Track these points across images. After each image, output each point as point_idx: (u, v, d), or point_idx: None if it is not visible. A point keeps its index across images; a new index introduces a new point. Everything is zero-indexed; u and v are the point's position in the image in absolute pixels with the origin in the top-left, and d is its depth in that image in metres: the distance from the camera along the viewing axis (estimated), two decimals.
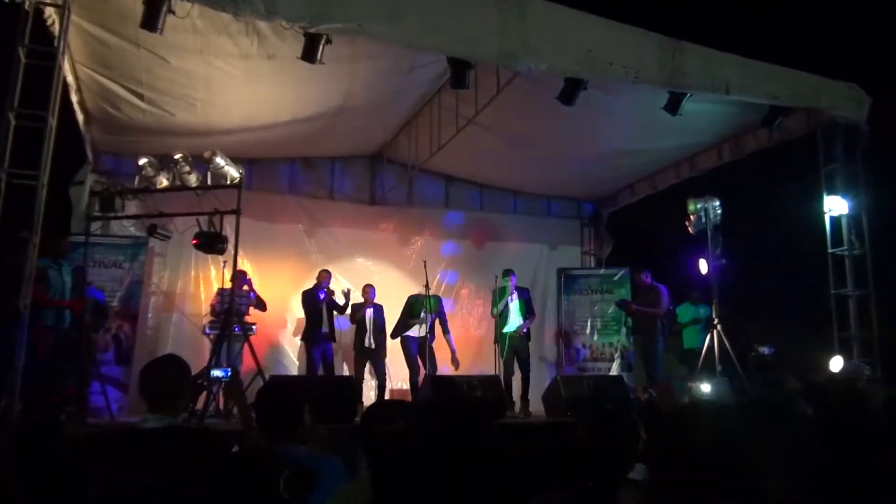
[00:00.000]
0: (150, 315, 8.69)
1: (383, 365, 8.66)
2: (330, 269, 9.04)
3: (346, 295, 8.68)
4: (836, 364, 7.06)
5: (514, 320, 8.53)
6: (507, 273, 8.67)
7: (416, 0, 5.57)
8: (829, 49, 9.33)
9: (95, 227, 7.51)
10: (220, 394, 6.71)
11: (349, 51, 6.23)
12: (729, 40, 6.85)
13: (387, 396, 8.64)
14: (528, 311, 8.66)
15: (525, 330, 8.54)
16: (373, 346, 8.61)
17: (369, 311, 8.71)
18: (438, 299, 8.92)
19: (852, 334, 7.31)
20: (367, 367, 8.69)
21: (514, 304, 8.59)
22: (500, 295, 8.51)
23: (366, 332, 8.63)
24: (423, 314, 8.47)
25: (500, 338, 8.36)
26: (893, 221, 7.89)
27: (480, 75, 6.55)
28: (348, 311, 8.76)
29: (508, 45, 5.82)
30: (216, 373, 6.58)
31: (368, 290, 8.84)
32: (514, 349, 8.39)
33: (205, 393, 6.47)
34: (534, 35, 5.87)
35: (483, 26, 5.78)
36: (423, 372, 8.37)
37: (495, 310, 8.49)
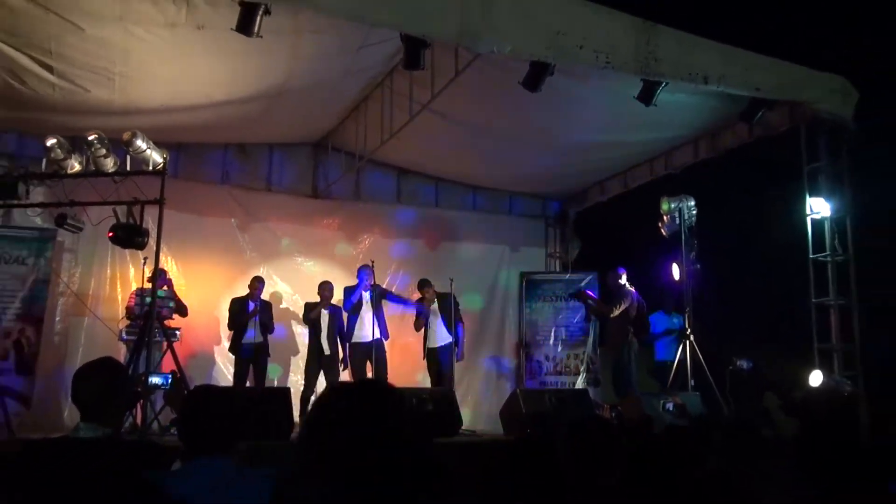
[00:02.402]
0: (57, 318, 8.45)
1: (338, 371, 8.67)
2: (266, 269, 8.99)
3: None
4: (816, 379, 7.23)
5: (439, 333, 8.96)
6: (424, 284, 9.12)
7: None
8: (815, 39, 9.58)
9: None
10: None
11: (291, 23, 6.16)
12: (708, 25, 6.98)
13: None
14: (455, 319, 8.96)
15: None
16: (327, 353, 8.61)
17: (325, 312, 8.68)
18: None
19: (833, 346, 7.51)
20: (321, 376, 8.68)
21: (434, 316, 9.00)
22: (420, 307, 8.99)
23: (320, 335, 8.60)
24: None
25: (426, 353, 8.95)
26: (879, 226, 8.12)
27: (437, 56, 6.56)
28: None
29: (470, 23, 5.81)
30: (155, 380, 6.50)
31: (326, 286, 8.82)
32: (438, 364, 8.85)
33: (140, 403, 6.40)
34: (497, 12, 5.88)
35: (442, 1, 5.77)
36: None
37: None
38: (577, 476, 2.33)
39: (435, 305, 8.97)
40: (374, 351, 8.59)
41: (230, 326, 8.66)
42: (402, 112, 7.91)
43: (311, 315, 8.72)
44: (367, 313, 8.72)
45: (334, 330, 8.76)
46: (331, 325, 8.75)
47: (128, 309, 8.19)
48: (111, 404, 2.76)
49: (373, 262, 8.87)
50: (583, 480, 2.31)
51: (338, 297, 9.18)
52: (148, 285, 7.45)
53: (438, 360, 8.90)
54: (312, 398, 8.25)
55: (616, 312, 9.03)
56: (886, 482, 2.59)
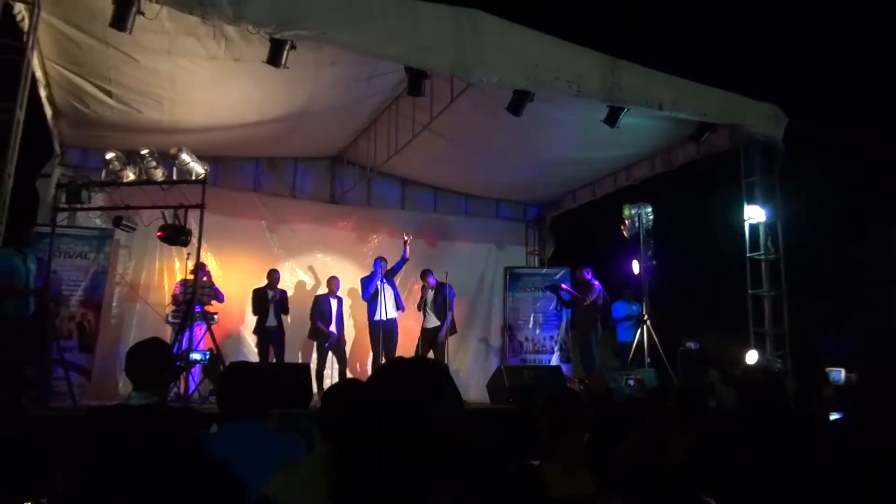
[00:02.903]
0: (114, 304, 8.43)
1: (344, 352, 8.72)
2: (290, 263, 9.01)
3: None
4: (752, 357, 7.30)
5: (430, 315, 8.96)
6: (425, 274, 9.07)
7: (377, 11, 5.55)
8: (752, 73, 9.62)
9: (61, 218, 7.25)
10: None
11: (313, 57, 6.17)
12: (662, 60, 7.01)
13: None
14: (444, 306, 8.96)
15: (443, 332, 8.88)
16: (335, 336, 8.65)
17: (334, 302, 8.71)
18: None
19: (766, 330, 7.58)
20: (329, 354, 8.73)
21: (428, 301, 8.98)
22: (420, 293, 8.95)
23: (330, 322, 8.62)
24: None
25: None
26: (804, 230, 8.18)
27: (436, 85, 6.57)
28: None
29: (462, 57, 5.85)
30: (195, 355, 6.53)
31: (334, 281, 8.85)
32: (430, 343, 8.82)
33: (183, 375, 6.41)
34: (486, 49, 5.91)
35: (439, 39, 5.79)
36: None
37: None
38: (551, 439, 2.36)
39: (431, 293, 8.96)
40: (389, 328, 8.62)
41: (255, 312, 8.63)
42: (406, 131, 7.92)
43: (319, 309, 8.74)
44: (382, 298, 8.71)
45: (339, 316, 8.78)
46: (337, 312, 8.77)
47: (173, 296, 8.19)
48: (159, 376, 2.78)
49: (382, 258, 8.89)
50: (555, 442, 2.34)
51: (349, 285, 9.23)
52: (191, 277, 7.44)
53: (431, 339, 8.92)
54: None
55: (587, 302, 9.07)
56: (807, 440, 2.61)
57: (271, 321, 8.53)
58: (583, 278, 9.38)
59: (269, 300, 8.56)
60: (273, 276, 8.72)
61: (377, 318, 8.67)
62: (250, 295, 8.73)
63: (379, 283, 8.73)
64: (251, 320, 8.86)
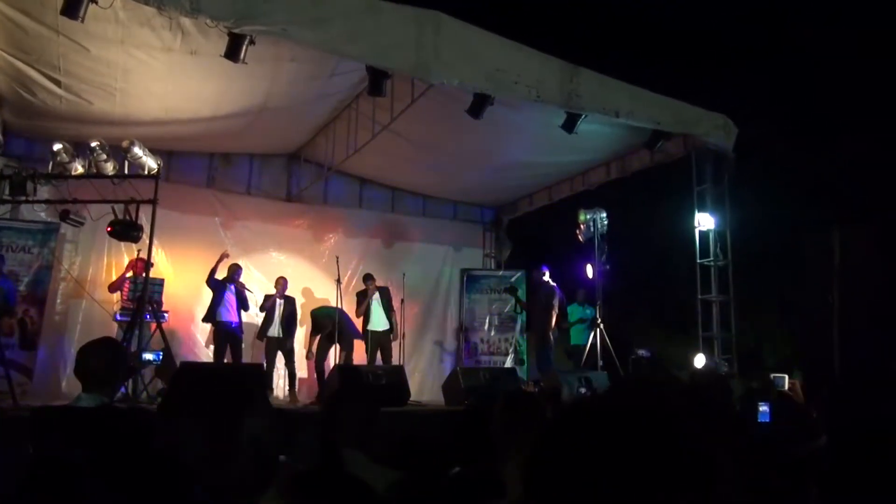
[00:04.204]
0: (58, 300, 8.16)
1: (292, 354, 8.57)
2: (245, 261, 8.84)
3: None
4: (700, 361, 7.49)
5: (378, 319, 8.87)
6: (367, 278, 8.99)
7: (340, 9, 5.51)
8: (705, 84, 9.88)
9: (4, 210, 6.99)
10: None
11: (273, 52, 6.08)
12: (620, 68, 7.14)
13: (297, 385, 8.54)
14: (389, 309, 8.96)
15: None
16: (280, 336, 8.50)
17: (279, 302, 8.58)
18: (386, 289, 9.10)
19: (714, 335, 7.79)
20: (279, 356, 8.55)
21: (376, 304, 8.88)
22: (362, 297, 8.88)
23: (272, 322, 8.49)
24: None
25: (365, 335, 8.80)
26: (751, 237, 8.44)
27: (396, 85, 6.56)
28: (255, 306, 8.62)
29: (423, 59, 5.85)
30: (148, 356, 6.35)
31: (281, 281, 8.71)
32: (379, 345, 8.75)
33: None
34: (447, 51, 5.92)
35: (401, 39, 5.78)
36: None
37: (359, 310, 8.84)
38: (507, 439, 2.38)
39: (377, 295, 8.92)
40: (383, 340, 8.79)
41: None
42: (366, 131, 7.88)
43: (265, 304, 8.58)
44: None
45: (286, 317, 8.64)
46: (283, 313, 8.60)
47: (121, 290, 7.92)
48: (111, 377, 2.69)
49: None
50: (512, 443, 2.36)
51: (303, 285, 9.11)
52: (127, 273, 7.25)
53: (379, 341, 8.86)
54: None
55: (555, 312, 9.09)
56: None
57: (230, 316, 8.30)
58: (539, 279, 9.46)
59: (224, 293, 8.30)
60: (236, 268, 8.49)
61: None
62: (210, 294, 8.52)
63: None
64: (201, 319, 8.65)
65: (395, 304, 9.47)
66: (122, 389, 6.40)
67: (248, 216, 9.69)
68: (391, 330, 9.02)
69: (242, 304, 8.42)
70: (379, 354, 8.77)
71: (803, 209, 10.15)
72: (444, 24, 5.96)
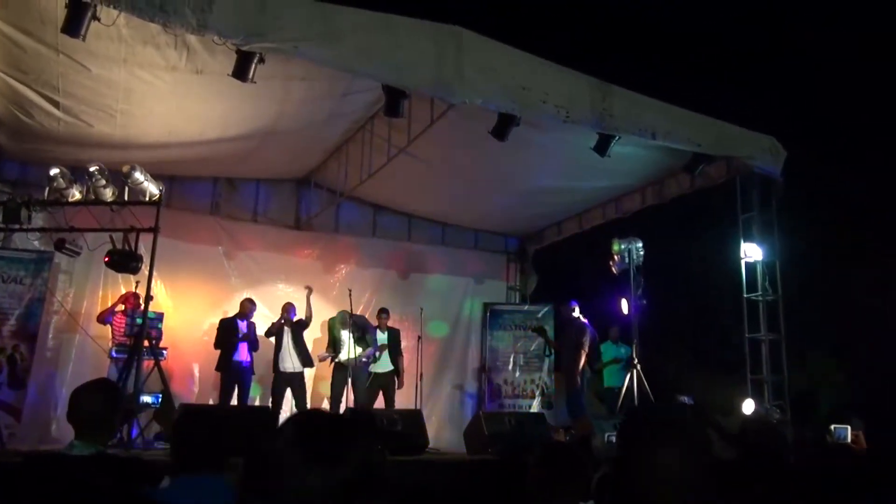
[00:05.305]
0: (50, 335, 8.21)
1: (304, 390, 8.57)
2: (249, 294, 8.93)
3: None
4: (749, 407, 7.34)
5: (382, 359, 9.05)
6: (382, 312, 9.32)
7: (354, 25, 5.59)
8: (750, 103, 9.87)
9: None
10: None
11: (283, 71, 6.17)
12: (656, 87, 7.15)
13: None
14: (396, 352, 9.23)
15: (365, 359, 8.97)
16: (289, 370, 8.49)
17: (287, 330, 8.60)
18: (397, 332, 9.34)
19: (764, 377, 7.63)
20: (288, 393, 8.59)
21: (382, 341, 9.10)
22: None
23: (280, 351, 8.51)
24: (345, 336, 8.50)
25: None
26: (803, 269, 8.32)
27: (414, 105, 6.59)
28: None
29: (444, 77, 5.90)
30: (146, 398, 6.37)
31: (288, 308, 8.74)
32: (382, 388, 8.93)
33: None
34: (470, 68, 5.97)
35: (420, 56, 5.84)
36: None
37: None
38: (543, 495, 2.32)
39: (385, 335, 9.03)
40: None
41: (217, 346, 8.44)
42: (381, 154, 7.94)
43: (272, 330, 8.74)
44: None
45: (296, 347, 8.74)
46: (293, 342, 8.72)
47: (111, 324, 7.99)
48: (106, 424, 2.67)
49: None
50: (549, 499, 2.30)
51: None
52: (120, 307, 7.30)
53: (382, 383, 9.02)
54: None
55: (585, 351, 9.00)
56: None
57: (241, 356, 8.36)
58: (568, 315, 9.37)
59: (238, 333, 8.41)
60: (249, 305, 8.62)
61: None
62: (211, 328, 8.59)
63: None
64: (206, 357, 8.68)
65: (411, 341, 9.47)
66: (117, 434, 6.42)
67: (254, 245, 9.76)
68: (396, 373, 9.04)
69: (252, 345, 8.47)
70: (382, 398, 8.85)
71: (855, 238, 10.01)
72: (465, 39, 6.02)
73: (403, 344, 10.07)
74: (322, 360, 8.91)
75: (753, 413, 7.14)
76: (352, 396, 8.52)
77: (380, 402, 8.97)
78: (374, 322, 9.29)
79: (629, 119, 6.78)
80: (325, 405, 9.44)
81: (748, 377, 7.64)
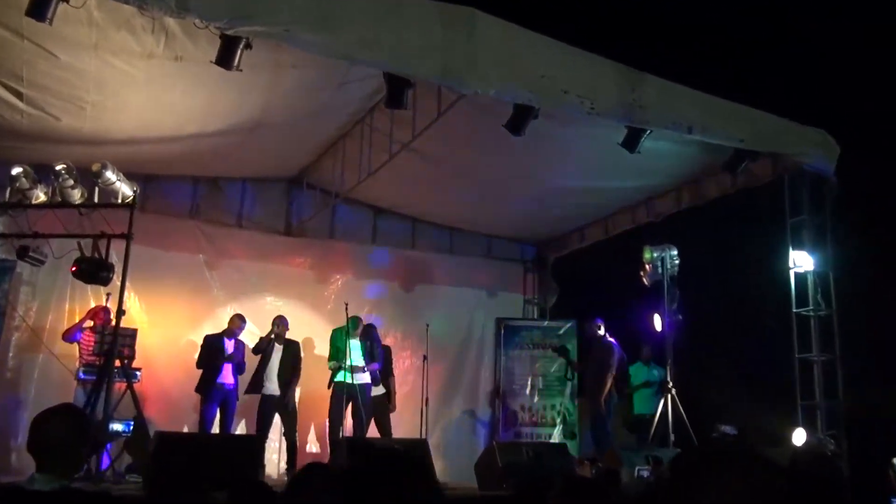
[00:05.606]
0: (10, 354, 8.28)
1: (294, 417, 8.58)
2: (234, 308, 9.03)
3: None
4: (800, 437, 7.31)
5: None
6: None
7: (353, 7, 5.63)
8: (799, 93, 9.85)
9: None
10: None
11: (272, 58, 6.23)
12: (693, 76, 7.16)
13: (298, 459, 8.53)
14: (387, 372, 9.23)
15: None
16: (277, 393, 8.51)
17: (278, 347, 8.61)
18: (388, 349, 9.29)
19: (817, 403, 7.59)
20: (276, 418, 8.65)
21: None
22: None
23: (265, 372, 8.53)
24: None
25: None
26: (861, 280, 8.26)
27: (420, 96, 6.63)
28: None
29: (453, 64, 5.92)
30: (116, 426, 6.40)
31: (279, 321, 8.77)
32: (373, 413, 8.90)
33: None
34: (482, 55, 5.99)
35: (426, 41, 5.87)
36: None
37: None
38: None
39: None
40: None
41: (199, 365, 8.46)
42: (382, 151, 7.98)
43: (260, 346, 8.76)
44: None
45: (286, 368, 8.76)
46: (283, 362, 8.73)
47: (78, 342, 8.04)
48: (71, 455, 2.66)
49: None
50: None
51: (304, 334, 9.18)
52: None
53: (374, 408, 9.01)
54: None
55: (612, 374, 9.00)
56: None
57: (225, 378, 8.40)
58: (593, 333, 9.39)
59: (225, 352, 8.45)
60: (238, 322, 8.66)
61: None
62: (190, 346, 8.65)
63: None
64: (184, 378, 8.72)
65: (416, 361, 9.50)
66: (84, 467, 6.45)
67: (239, 253, 9.82)
68: (388, 396, 9.09)
69: (238, 367, 8.51)
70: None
71: None
72: (479, 21, 6.04)
73: (406, 364, 10.11)
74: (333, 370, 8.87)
75: (805, 444, 7.11)
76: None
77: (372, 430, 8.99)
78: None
79: (662, 111, 6.79)
80: (312, 433, 9.50)
81: (798, 403, 7.60)
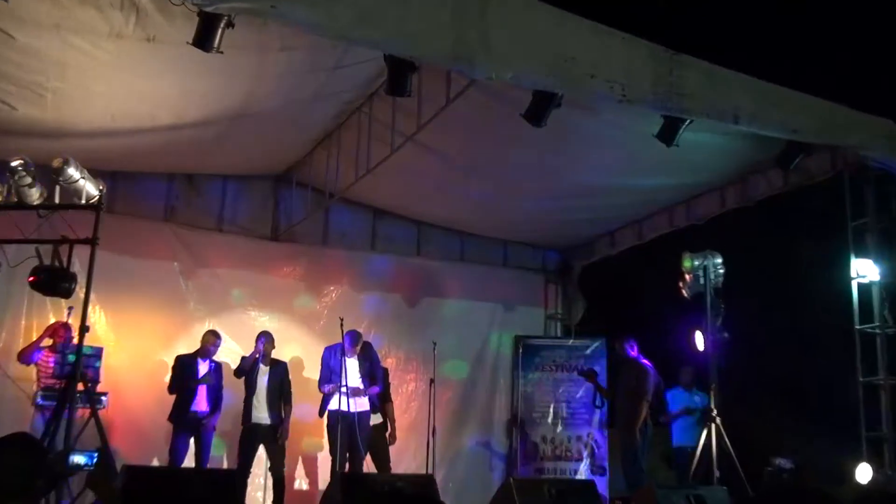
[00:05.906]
0: None
1: (282, 450, 8.54)
2: (213, 324, 9.00)
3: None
4: (864, 473, 7.25)
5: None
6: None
7: None
8: (863, 77, 9.80)
9: None
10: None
11: (257, 39, 6.22)
12: (740, 58, 7.11)
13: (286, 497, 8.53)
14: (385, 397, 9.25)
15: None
16: (267, 422, 8.47)
17: (263, 370, 8.60)
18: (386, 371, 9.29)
19: (884, 434, 7.53)
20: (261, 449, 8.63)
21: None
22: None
23: (253, 398, 8.51)
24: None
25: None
26: None
27: (425, 81, 6.65)
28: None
29: (464, 45, 5.88)
30: (78, 459, 6.39)
31: (265, 338, 8.79)
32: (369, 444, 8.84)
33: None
34: (497, 33, 5.95)
35: (433, 18, 5.84)
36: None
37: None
38: None
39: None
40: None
41: (171, 390, 8.49)
42: (383, 144, 7.98)
43: (244, 367, 8.71)
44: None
45: (273, 391, 8.74)
46: (270, 385, 8.70)
47: (36, 363, 8.04)
48: (26, 490, 2.69)
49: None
50: None
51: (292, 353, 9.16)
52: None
53: (373, 440, 9.01)
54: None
55: (646, 401, 8.94)
56: None
57: (199, 404, 8.41)
58: (625, 354, 9.35)
59: (198, 375, 8.46)
60: (213, 339, 8.66)
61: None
62: (163, 368, 8.65)
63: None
64: (156, 405, 8.71)
65: (421, 385, 9.49)
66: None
67: (219, 261, 9.85)
68: (384, 426, 9.11)
69: (212, 390, 8.49)
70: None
71: None
72: None
73: (410, 389, 10.12)
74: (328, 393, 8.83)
75: (871, 481, 7.06)
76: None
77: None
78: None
79: (705, 98, 6.74)
80: (301, 468, 9.47)
81: (863, 434, 7.55)
